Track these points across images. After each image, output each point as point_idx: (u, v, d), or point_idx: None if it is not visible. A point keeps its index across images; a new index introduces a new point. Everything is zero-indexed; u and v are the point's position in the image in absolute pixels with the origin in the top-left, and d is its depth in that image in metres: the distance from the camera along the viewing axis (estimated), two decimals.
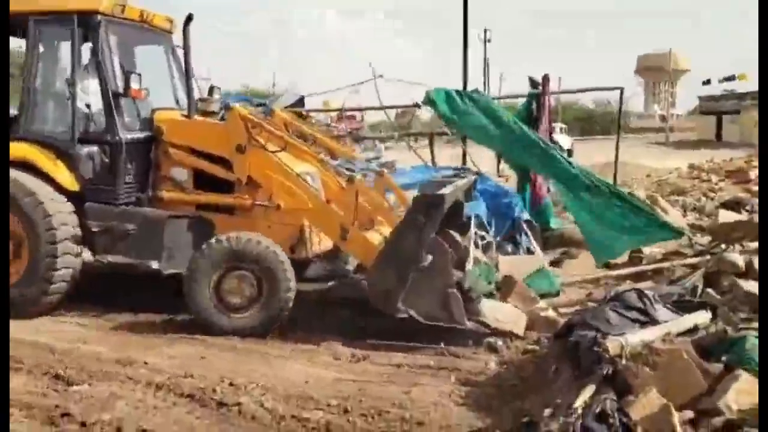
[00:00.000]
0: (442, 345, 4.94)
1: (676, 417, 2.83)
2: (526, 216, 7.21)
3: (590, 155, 20.20)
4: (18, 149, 5.74)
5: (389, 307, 4.99)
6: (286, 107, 9.16)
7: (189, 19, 5.89)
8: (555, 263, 7.60)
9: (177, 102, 6.57)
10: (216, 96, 6.50)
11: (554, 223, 8.27)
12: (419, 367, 4.66)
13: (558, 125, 36.61)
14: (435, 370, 4.59)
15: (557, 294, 5.99)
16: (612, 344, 3.25)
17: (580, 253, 7.74)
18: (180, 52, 6.45)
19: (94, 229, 5.77)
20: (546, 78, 8.14)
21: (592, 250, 6.83)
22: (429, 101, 7.94)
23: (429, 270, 4.91)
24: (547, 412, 3.28)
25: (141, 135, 6.01)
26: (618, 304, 3.96)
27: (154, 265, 5.67)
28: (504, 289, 5.46)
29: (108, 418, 3.73)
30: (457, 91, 7.88)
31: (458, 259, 5.45)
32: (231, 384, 4.25)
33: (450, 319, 4.92)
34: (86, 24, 5.85)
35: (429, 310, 4.95)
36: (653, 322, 3.80)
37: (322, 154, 6.37)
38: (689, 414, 2.98)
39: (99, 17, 5.81)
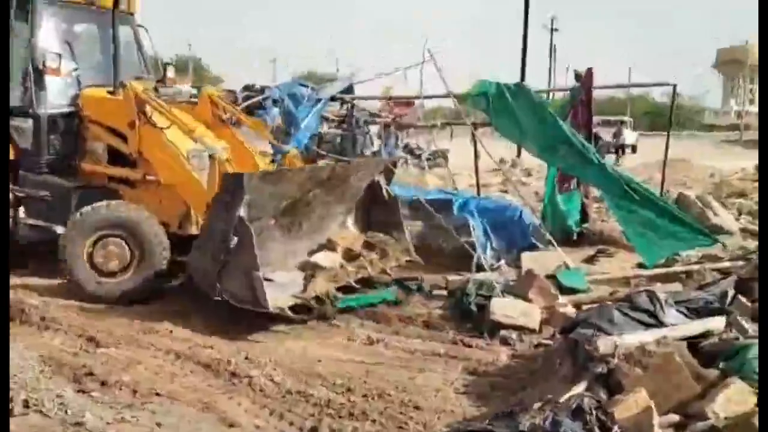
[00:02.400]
0: (451, 334, 5.03)
1: (657, 419, 2.82)
2: (536, 222, 7.22)
3: (655, 151, 19.54)
4: None
5: (208, 288, 5.07)
6: (337, 94, 9.35)
7: (116, 3, 6.44)
8: (590, 260, 7.50)
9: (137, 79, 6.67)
10: (170, 74, 6.85)
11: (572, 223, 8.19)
12: (432, 354, 4.73)
13: (626, 119, 35.46)
14: (446, 358, 4.66)
15: (586, 291, 5.94)
16: (603, 343, 3.25)
17: (618, 252, 7.61)
18: (142, 31, 7.10)
19: (19, 195, 6.26)
20: (589, 71, 7.95)
21: (640, 253, 6.77)
22: (465, 96, 7.96)
23: (236, 251, 4.87)
24: (536, 405, 3.32)
25: (64, 110, 6.44)
26: (625, 305, 3.92)
27: (60, 230, 5.92)
28: (524, 284, 5.45)
29: (127, 379, 4.01)
30: (501, 85, 7.82)
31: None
32: (246, 357, 4.47)
33: (255, 303, 4.85)
34: (23, 5, 6.32)
35: (239, 293, 4.91)
36: (660, 325, 3.76)
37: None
38: (675, 418, 2.97)
39: (34, 4, 6.27)
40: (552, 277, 5.74)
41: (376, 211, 6.46)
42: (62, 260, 5.63)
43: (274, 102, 8.65)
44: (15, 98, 6.35)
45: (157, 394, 3.86)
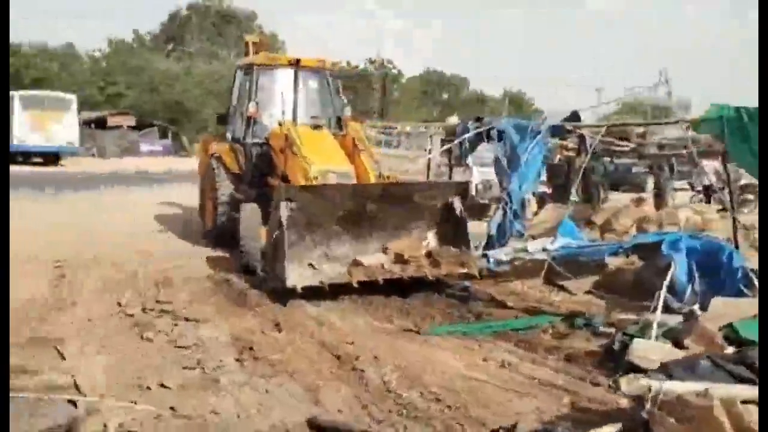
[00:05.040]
0: (586, 370, 4.81)
1: None
2: (747, 265, 6.13)
3: None
4: (219, 148, 9.64)
5: (269, 269, 6.76)
6: (562, 120, 9.31)
7: (298, 61, 9.21)
8: None
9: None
10: (347, 113, 9.35)
11: None
12: (549, 384, 4.64)
13: None
14: (561, 390, 4.52)
15: None
16: (628, 384, 2.97)
17: None
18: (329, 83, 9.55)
19: (235, 198, 8.84)
20: None
21: None
22: (698, 122, 7.23)
23: (277, 243, 6.47)
24: None
25: (261, 140, 8.92)
26: (729, 357, 3.41)
27: None
28: (684, 329, 4.87)
29: (273, 357, 4.96)
30: (740, 109, 6.91)
31: None
32: (375, 357, 5.04)
33: (283, 281, 6.32)
34: (249, 71, 9.23)
35: (278, 273, 6.45)
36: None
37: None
38: None
39: (254, 67, 9.17)
40: (730, 326, 4.97)
41: (450, 228, 7.38)
42: None
43: (500, 134, 9.01)
44: (239, 132, 9.26)
45: (286, 371, 4.71)
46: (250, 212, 7.99)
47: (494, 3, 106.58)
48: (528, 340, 5.65)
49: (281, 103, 8.64)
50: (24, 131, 27.18)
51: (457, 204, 7.32)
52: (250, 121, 8.93)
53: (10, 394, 2.96)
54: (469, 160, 12.29)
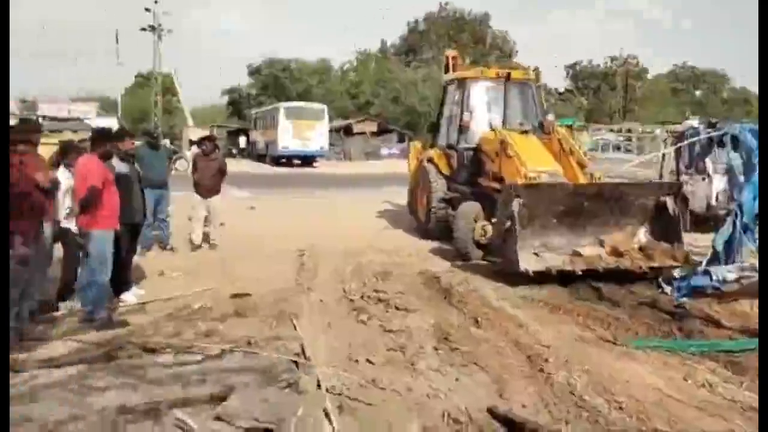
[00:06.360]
0: None
1: None
2: None
3: None
4: (430, 152, 10.92)
5: (498, 256, 7.94)
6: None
7: (508, 75, 10.15)
8: None
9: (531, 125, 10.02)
10: (550, 118, 9.65)
11: None
12: (750, 408, 4.35)
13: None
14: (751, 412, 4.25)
15: None
16: None
17: None
18: (533, 91, 10.31)
19: (447, 196, 10.12)
20: None
21: None
22: None
23: (506, 234, 7.45)
24: None
25: (472, 146, 9.89)
26: None
27: None
28: None
29: (467, 350, 5.39)
30: None
31: None
32: (566, 361, 5.16)
33: (514, 265, 7.27)
34: (461, 85, 10.30)
35: (509, 258, 7.42)
36: None
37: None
38: None
39: (466, 80, 10.24)
40: None
41: (662, 225, 7.85)
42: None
43: (734, 139, 8.34)
44: (452, 138, 10.26)
45: (477, 363, 5.10)
46: (469, 208, 8.94)
47: None
48: (739, 363, 5.28)
49: (491, 111, 9.30)
50: (287, 138, 31.45)
51: (670, 203, 7.70)
52: (462, 129, 9.90)
53: (254, 351, 3.84)
54: (709, 167, 11.64)
